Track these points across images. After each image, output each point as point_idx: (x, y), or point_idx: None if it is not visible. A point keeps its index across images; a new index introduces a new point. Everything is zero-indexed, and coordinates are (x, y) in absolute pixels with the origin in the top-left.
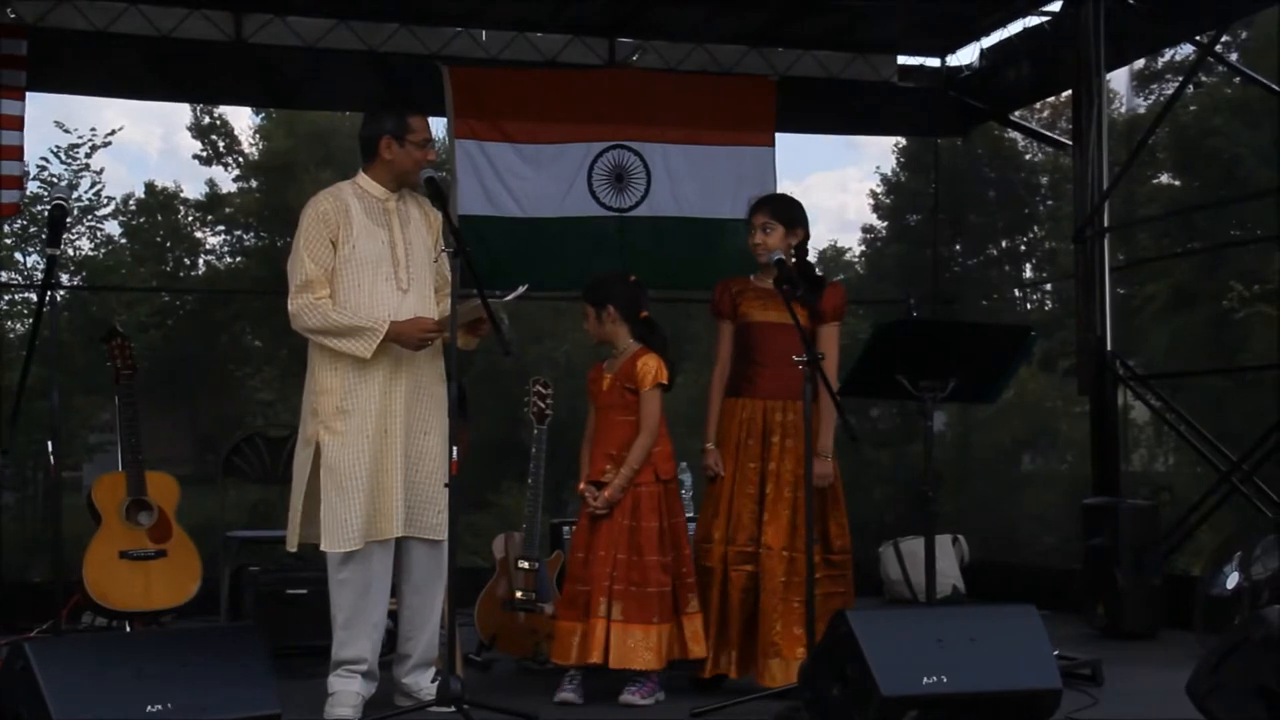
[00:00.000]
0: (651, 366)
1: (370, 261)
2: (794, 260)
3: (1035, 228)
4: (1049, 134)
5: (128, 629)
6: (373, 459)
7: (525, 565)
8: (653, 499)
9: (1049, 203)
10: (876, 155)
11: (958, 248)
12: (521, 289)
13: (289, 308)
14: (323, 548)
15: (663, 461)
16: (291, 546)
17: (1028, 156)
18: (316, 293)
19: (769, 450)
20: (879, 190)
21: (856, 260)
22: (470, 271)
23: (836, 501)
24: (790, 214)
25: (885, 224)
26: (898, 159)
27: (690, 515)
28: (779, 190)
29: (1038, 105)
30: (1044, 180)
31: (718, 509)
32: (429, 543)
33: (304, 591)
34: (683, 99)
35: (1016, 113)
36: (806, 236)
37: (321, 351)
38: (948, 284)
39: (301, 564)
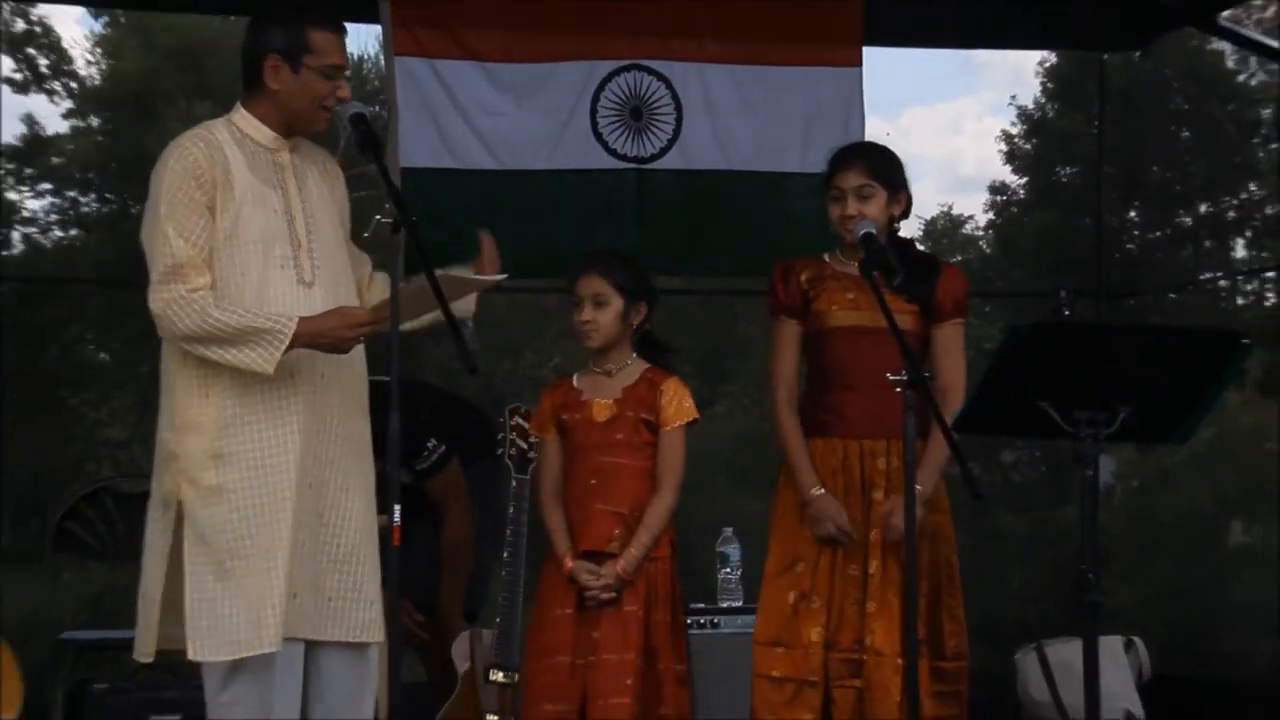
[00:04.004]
0: (680, 395)
1: (260, 241)
2: (893, 235)
3: (1252, 185)
4: (1275, 44)
5: None
6: (270, 526)
7: (500, 678)
8: (667, 581)
9: (1273, 146)
10: (1010, 80)
11: (1134, 215)
12: (500, 276)
13: (150, 305)
14: (194, 656)
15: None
16: (144, 655)
17: (1241, 78)
18: (191, 282)
19: (870, 512)
20: (1014, 131)
21: (980, 234)
22: (417, 252)
23: (952, 585)
24: (894, 172)
25: (1024, 181)
26: (1043, 84)
27: (740, 606)
28: (866, 131)
29: None
30: (1265, 114)
31: (809, 595)
32: (353, 649)
33: (176, 718)
34: None
35: (1225, 12)
36: (909, 203)
37: (185, 368)
38: (1118, 269)
39: (168, 678)
